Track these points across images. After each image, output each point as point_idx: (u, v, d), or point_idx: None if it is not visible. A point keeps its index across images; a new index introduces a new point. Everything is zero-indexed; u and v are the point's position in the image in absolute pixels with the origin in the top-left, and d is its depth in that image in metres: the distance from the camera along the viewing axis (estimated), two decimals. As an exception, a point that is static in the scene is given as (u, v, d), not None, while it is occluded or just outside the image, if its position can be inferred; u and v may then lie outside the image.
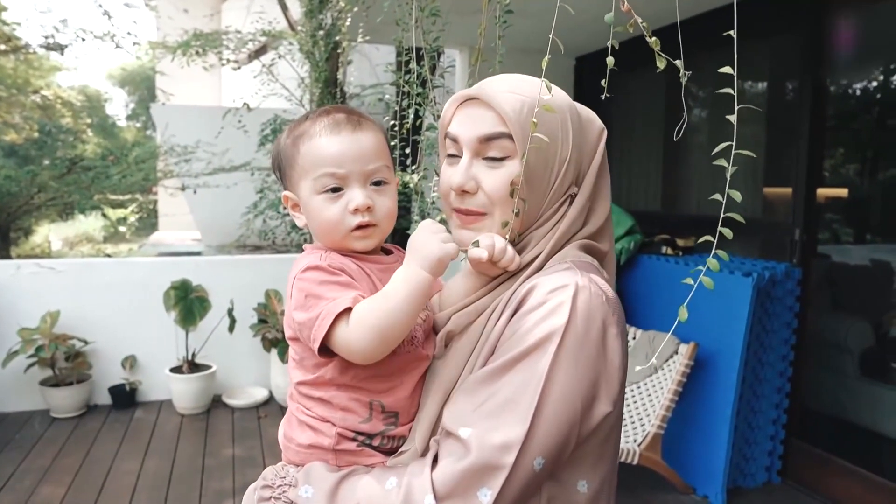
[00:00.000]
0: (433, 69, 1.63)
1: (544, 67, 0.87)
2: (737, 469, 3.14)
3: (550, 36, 0.87)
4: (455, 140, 0.93)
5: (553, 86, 0.91)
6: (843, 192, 3.30)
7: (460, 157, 0.92)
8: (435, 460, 0.81)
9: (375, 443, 0.91)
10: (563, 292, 0.82)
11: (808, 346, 3.20)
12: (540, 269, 0.90)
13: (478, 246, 0.87)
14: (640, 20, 0.85)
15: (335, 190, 0.92)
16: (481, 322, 0.89)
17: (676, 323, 0.83)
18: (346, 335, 0.84)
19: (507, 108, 0.87)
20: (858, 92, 3.22)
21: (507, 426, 0.77)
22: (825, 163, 3.24)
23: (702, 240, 0.86)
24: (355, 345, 0.84)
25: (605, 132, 0.97)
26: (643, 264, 3.76)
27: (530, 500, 0.81)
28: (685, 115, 0.82)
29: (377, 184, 0.94)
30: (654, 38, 0.84)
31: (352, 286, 0.88)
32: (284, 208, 1.06)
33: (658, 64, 0.86)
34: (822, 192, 3.21)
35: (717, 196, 0.81)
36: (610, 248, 0.98)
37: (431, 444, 0.85)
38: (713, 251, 0.82)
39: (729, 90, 0.84)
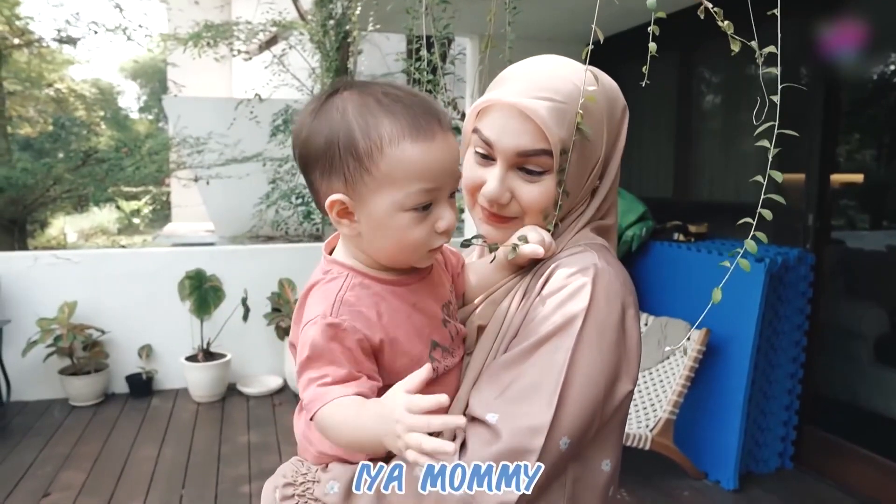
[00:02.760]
0: (443, 57, 1.64)
1: (587, 61, 0.84)
2: (749, 455, 3.15)
3: (593, 26, 0.84)
4: (488, 143, 0.88)
5: (593, 73, 0.87)
6: (857, 177, 3.28)
7: (491, 159, 0.88)
8: (463, 446, 0.81)
9: None
10: (584, 275, 0.82)
11: (822, 332, 3.18)
12: (557, 252, 0.89)
13: (526, 242, 0.86)
14: (710, 5, 0.84)
15: (425, 207, 0.79)
16: (503, 307, 0.89)
17: (710, 306, 0.83)
18: (316, 421, 0.78)
19: (550, 123, 0.83)
20: (874, 76, 3.19)
21: (534, 410, 0.78)
22: (840, 149, 3.22)
23: (741, 222, 0.85)
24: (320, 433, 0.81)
25: (628, 111, 0.93)
26: (655, 251, 3.75)
27: (555, 482, 0.81)
28: (767, 98, 0.81)
29: (451, 195, 0.83)
30: (726, 22, 0.84)
31: (349, 363, 0.78)
32: (322, 215, 0.85)
33: (733, 47, 0.85)
34: (837, 177, 3.18)
35: (759, 178, 0.80)
36: (614, 221, 0.97)
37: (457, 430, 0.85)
38: (752, 233, 0.81)
39: (773, 69, 0.83)
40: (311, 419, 0.78)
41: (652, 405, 3.16)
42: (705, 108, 4.18)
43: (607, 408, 0.82)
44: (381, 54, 6.13)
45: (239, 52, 5.85)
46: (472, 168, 0.91)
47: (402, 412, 0.69)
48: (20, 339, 4.06)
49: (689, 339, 3.14)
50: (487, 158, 0.89)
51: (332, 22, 4.58)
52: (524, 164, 0.86)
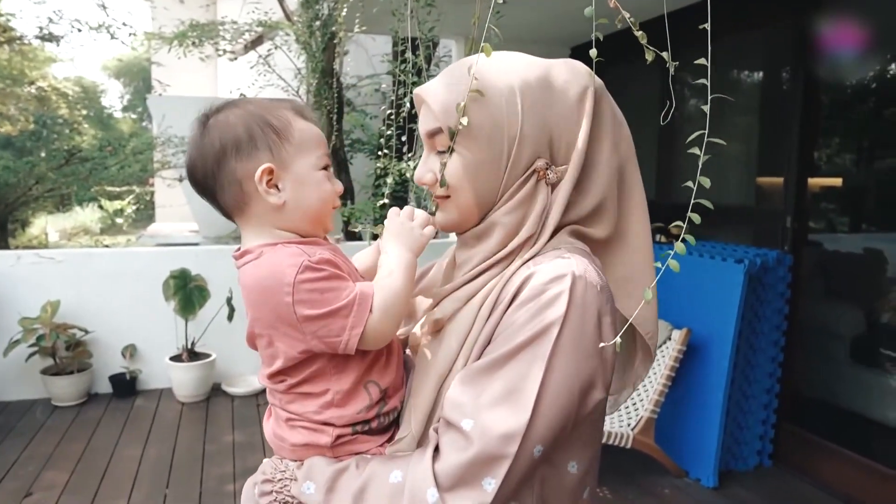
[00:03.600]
0: (428, 59, 1.67)
1: (480, 56, 0.87)
2: (729, 453, 3.20)
3: (487, 25, 0.89)
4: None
5: (505, 59, 0.90)
6: (835, 181, 3.34)
7: None
8: (436, 451, 0.82)
9: (374, 425, 0.92)
10: (561, 283, 0.82)
11: (800, 332, 3.24)
12: (533, 256, 0.88)
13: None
14: (627, 15, 0.87)
15: (327, 169, 0.97)
16: (473, 308, 0.88)
17: (642, 304, 0.87)
18: (373, 322, 0.87)
19: (435, 105, 0.90)
20: (853, 81, 3.25)
21: (509, 417, 0.78)
22: (819, 152, 3.28)
23: (672, 225, 0.88)
24: (381, 329, 0.88)
25: (592, 92, 0.89)
26: (638, 252, 3.80)
27: (525, 487, 0.82)
28: (672, 101, 0.86)
29: None
30: (640, 32, 0.86)
31: (348, 277, 0.90)
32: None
33: (646, 56, 0.88)
34: (814, 181, 3.25)
35: (689, 183, 0.84)
36: (607, 234, 0.94)
37: (431, 433, 0.85)
38: (681, 236, 0.84)
39: (703, 81, 0.87)
40: (363, 330, 0.86)
41: (633, 404, 3.20)
42: (689, 111, 4.24)
43: (580, 415, 0.82)
44: (366, 56, 6.16)
45: (224, 51, 5.83)
46: None
47: (410, 224, 0.96)
48: (2, 339, 4.02)
49: (669, 338, 3.19)
50: None
51: (318, 23, 4.58)
52: (436, 144, 0.92)
